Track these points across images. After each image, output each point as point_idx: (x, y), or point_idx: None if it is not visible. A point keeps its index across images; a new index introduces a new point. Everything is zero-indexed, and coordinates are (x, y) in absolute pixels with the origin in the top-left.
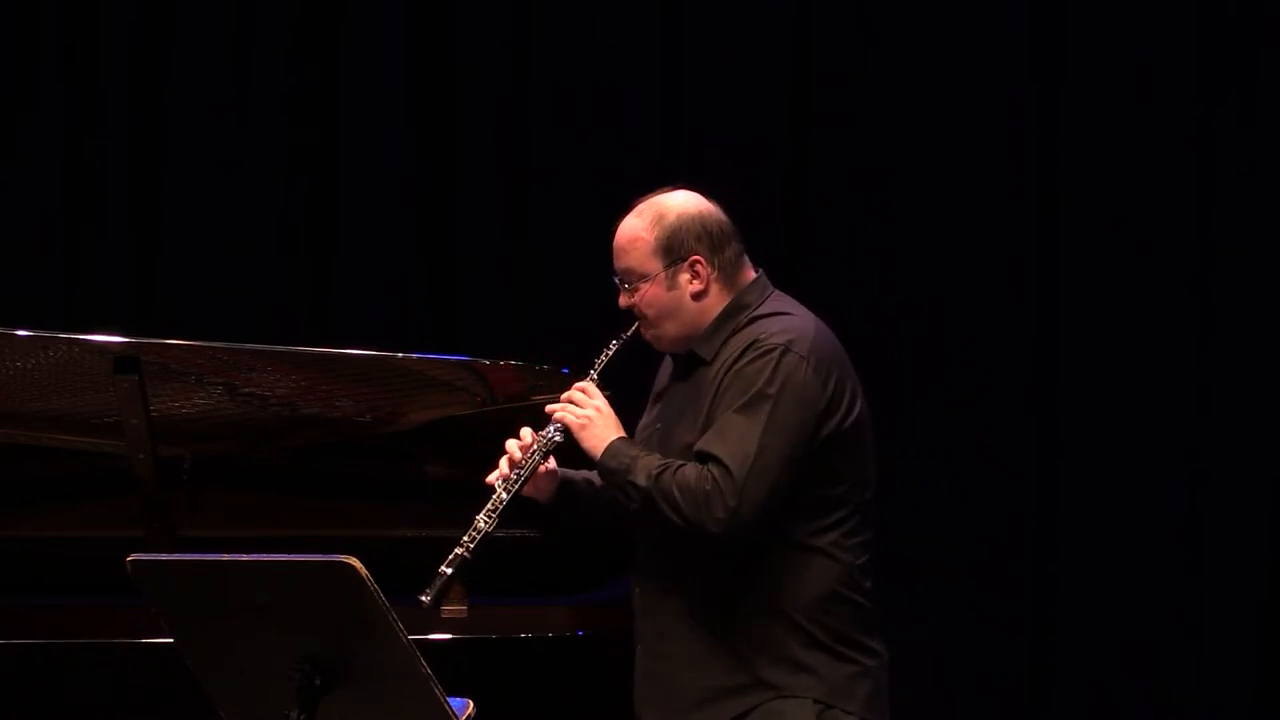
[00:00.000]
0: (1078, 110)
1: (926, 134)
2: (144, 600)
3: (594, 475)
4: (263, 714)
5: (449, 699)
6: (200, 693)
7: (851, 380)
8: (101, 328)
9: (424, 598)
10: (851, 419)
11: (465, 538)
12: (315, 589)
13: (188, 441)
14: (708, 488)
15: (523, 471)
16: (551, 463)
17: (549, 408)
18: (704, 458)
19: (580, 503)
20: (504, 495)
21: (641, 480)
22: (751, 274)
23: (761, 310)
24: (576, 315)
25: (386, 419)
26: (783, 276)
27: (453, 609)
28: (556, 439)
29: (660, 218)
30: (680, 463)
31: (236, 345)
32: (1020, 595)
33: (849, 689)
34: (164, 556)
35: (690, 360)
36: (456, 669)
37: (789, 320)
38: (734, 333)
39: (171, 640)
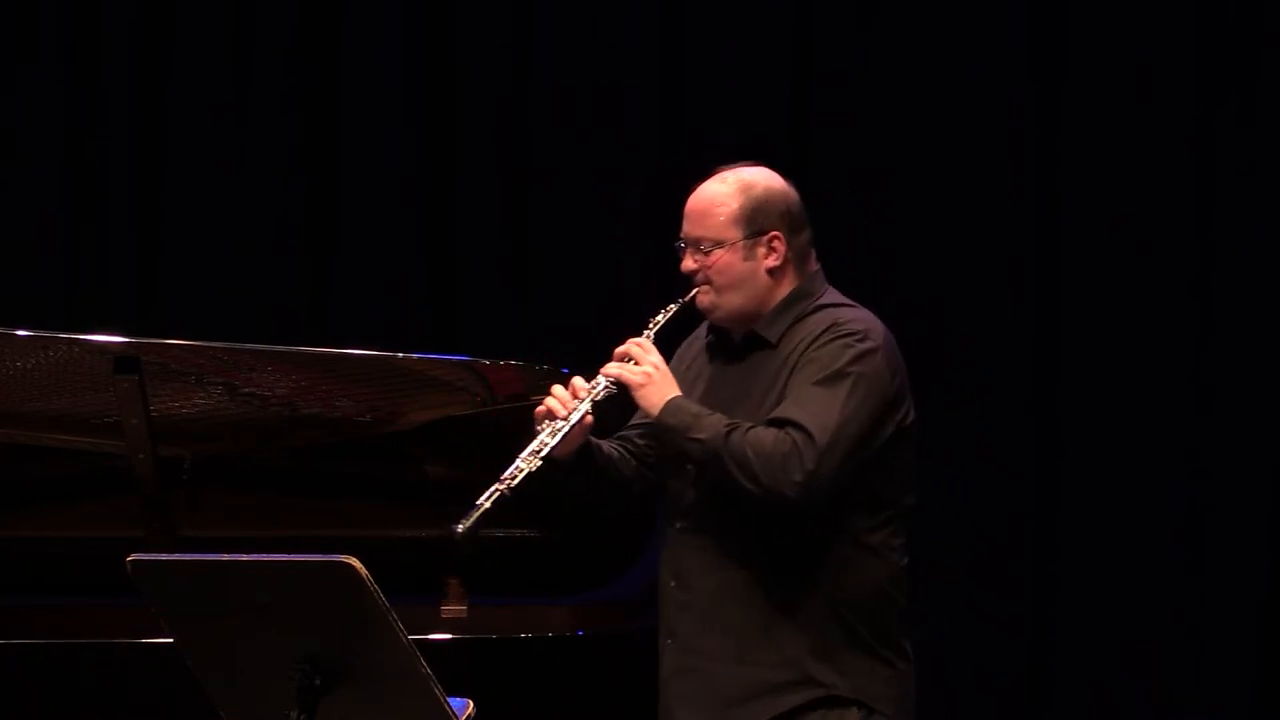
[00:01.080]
0: (1078, 110)
1: (926, 134)
2: (144, 600)
3: (616, 446)
4: (263, 714)
5: (449, 699)
6: (200, 693)
7: (908, 383)
8: (101, 328)
9: (458, 527)
10: (910, 419)
11: (506, 475)
12: (315, 589)
13: (188, 441)
14: (786, 449)
15: (571, 417)
16: (589, 418)
17: (604, 367)
18: (780, 423)
19: (596, 469)
20: (547, 439)
21: (707, 436)
22: (815, 265)
23: (824, 300)
24: (577, 315)
25: (386, 419)
26: None
27: (453, 609)
28: (610, 390)
29: (748, 187)
30: (749, 424)
31: (236, 345)
32: (1020, 595)
33: (887, 692)
34: (164, 556)
35: (748, 343)
36: (456, 669)
37: (860, 312)
38: (798, 319)
39: (171, 640)
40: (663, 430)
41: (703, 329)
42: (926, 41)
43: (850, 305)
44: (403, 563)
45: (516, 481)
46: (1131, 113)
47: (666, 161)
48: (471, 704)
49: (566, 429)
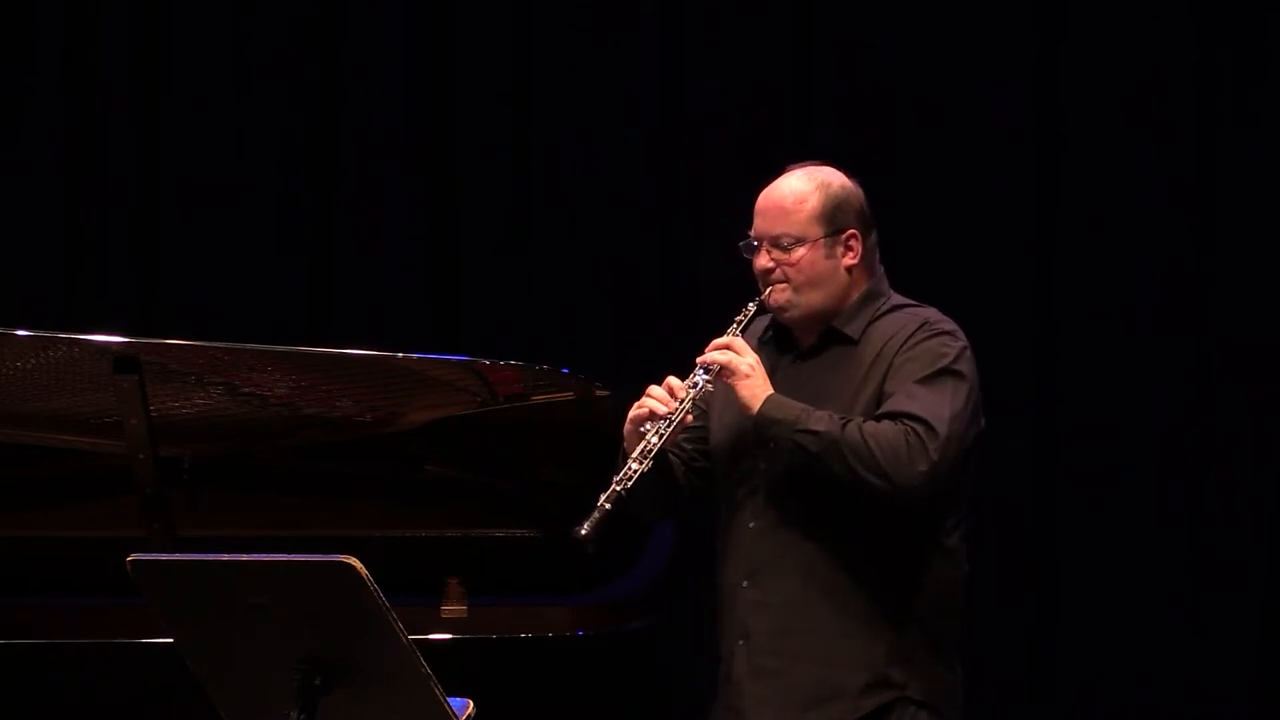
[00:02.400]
0: (1078, 110)
1: (926, 134)
2: (144, 600)
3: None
4: (263, 714)
5: (449, 699)
6: (200, 693)
7: None
8: (101, 328)
9: (582, 530)
10: (983, 421)
11: (620, 476)
12: (315, 589)
13: (188, 441)
14: (909, 440)
15: (673, 416)
16: (689, 416)
17: (702, 357)
18: (894, 416)
19: (670, 476)
20: (654, 440)
21: (823, 428)
22: (881, 266)
23: (897, 301)
24: (577, 315)
25: (386, 419)
26: None
27: (453, 609)
28: (708, 386)
29: (827, 184)
30: (861, 418)
31: (236, 345)
32: (1020, 595)
33: (951, 696)
34: (164, 556)
35: (824, 339)
36: (456, 669)
37: (938, 312)
38: (875, 318)
39: (171, 640)
40: (769, 424)
41: (757, 327)
42: (926, 41)
43: (925, 306)
44: (403, 563)
45: (632, 483)
46: (1131, 113)
47: (667, 162)
48: (471, 704)
49: (672, 427)
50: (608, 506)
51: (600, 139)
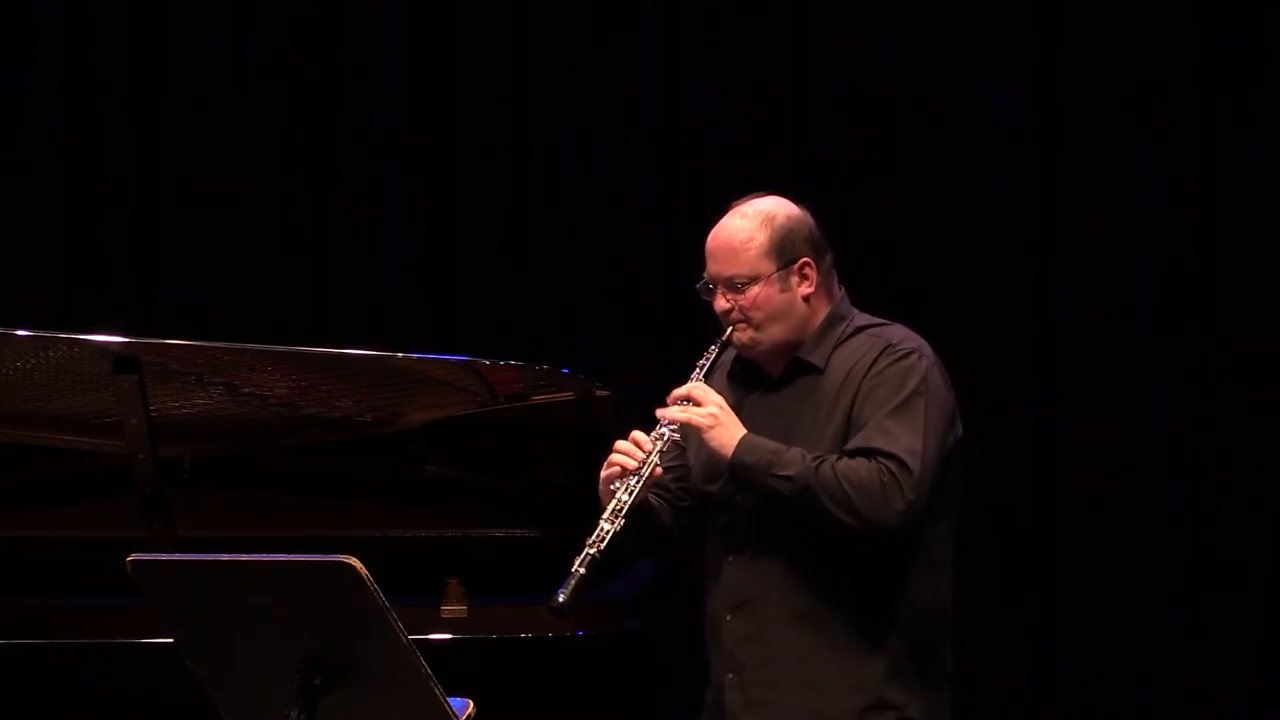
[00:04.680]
0: (1078, 110)
1: (926, 134)
2: (144, 600)
3: (652, 495)
4: (263, 714)
5: (449, 699)
6: (200, 693)
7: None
8: (101, 328)
9: (560, 597)
10: (961, 429)
11: (593, 539)
12: (315, 589)
13: (188, 441)
14: (884, 479)
15: (642, 470)
16: (659, 469)
17: (662, 411)
18: (867, 453)
19: (649, 523)
20: (624, 497)
21: (795, 472)
22: (840, 287)
23: (859, 322)
24: (577, 316)
25: (386, 419)
26: None
27: (453, 609)
28: (674, 437)
29: (771, 218)
30: (834, 456)
31: (237, 345)
32: (1020, 595)
33: (944, 709)
34: (164, 556)
35: (791, 370)
36: (456, 669)
37: (901, 329)
38: (840, 342)
39: (171, 640)
40: (742, 470)
41: (726, 359)
42: (927, 41)
43: (887, 324)
44: (403, 563)
45: (605, 544)
46: (1131, 112)
47: (666, 163)
48: (471, 704)
49: (641, 483)
50: (583, 571)
51: (600, 139)
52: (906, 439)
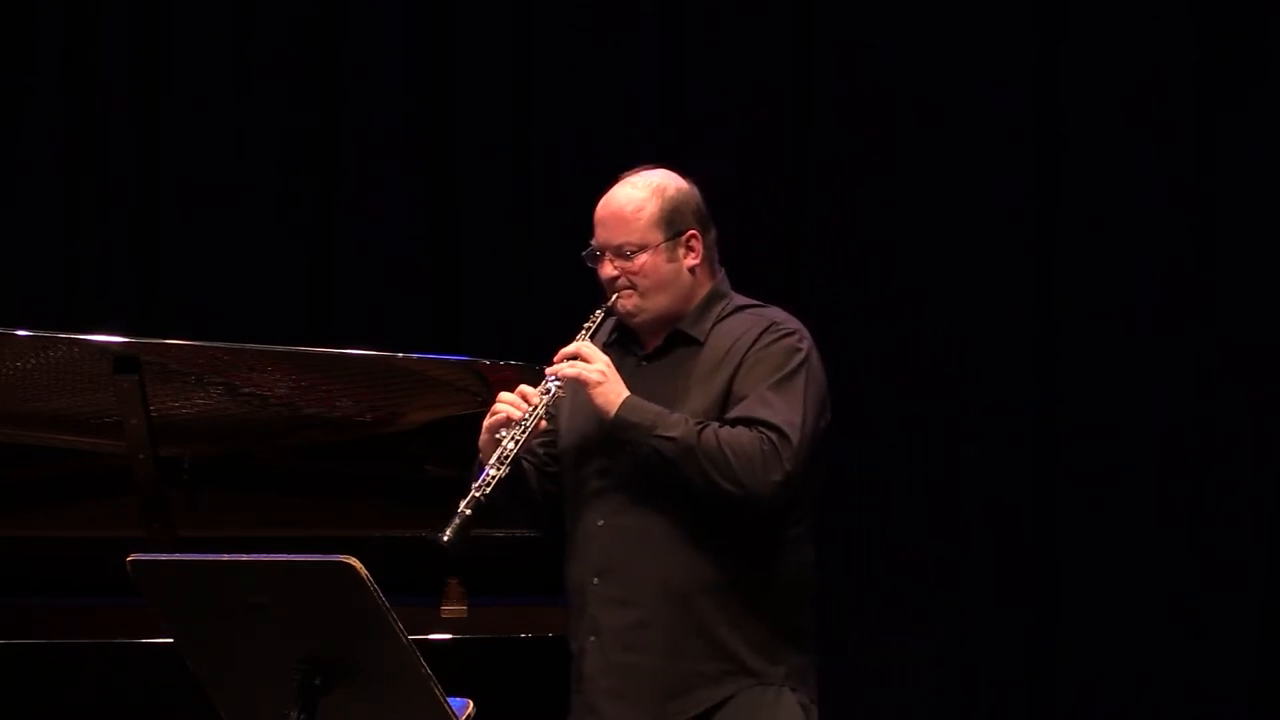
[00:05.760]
0: (1078, 110)
1: (927, 134)
2: (144, 600)
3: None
4: (263, 714)
5: (449, 699)
6: (200, 693)
7: None
8: (101, 328)
9: (444, 536)
10: (830, 416)
11: (479, 483)
12: (315, 589)
13: (188, 441)
14: (765, 448)
15: (527, 420)
16: (543, 422)
17: (551, 368)
18: (749, 423)
19: (523, 483)
20: (510, 445)
21: (678, 434)
22: (721, 269)
23: (739, 302)
24: (577, 316)
25: (386, 419)
26: (783, 276)
27: (453, 609)
28: (560, 393)
29: (662, 189)
30: (717, 423)
31: (236, 345)
32: (1020, 595)
33: (808, 676)
34: (164, 556)
35: (669, 342)
36: (456, 669)
37: (781, 312)
38: (720, 318)
39: (171, 640)
40: (625, 428)
41: (604, 329)
42: (927, 41)
43: (766, 305)
44: (403, 563)
45: (490, 488)
46: (1131, 112)
47: (666, 161)
48: (471, 704)
49: (527, 432)
50: (468, 512)
51: (600, 139)
52: (787, 411)
